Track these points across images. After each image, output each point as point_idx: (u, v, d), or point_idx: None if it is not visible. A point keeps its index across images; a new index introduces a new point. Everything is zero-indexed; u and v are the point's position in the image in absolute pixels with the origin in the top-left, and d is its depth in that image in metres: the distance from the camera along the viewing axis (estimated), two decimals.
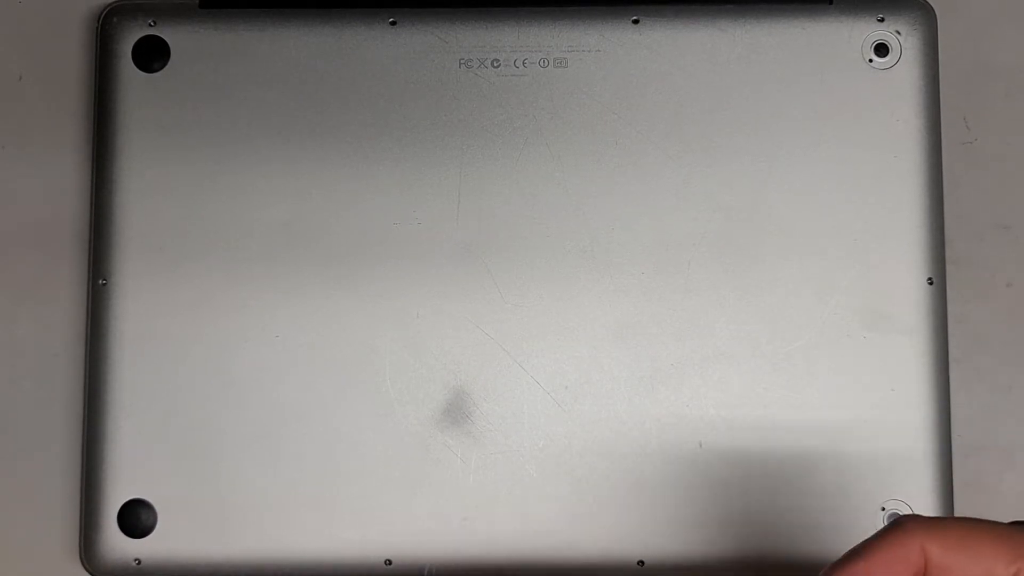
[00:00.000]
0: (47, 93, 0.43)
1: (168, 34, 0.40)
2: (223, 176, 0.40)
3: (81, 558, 0.40)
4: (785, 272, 0.40)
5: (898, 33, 0.40)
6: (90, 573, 0.40)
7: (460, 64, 0.40)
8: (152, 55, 0.40)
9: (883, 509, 0.39)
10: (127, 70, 0.40)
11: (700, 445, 0.39)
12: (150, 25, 0.41)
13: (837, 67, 0.40)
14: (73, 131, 0.43)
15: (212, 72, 0.40)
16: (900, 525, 0.30)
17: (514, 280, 0.40)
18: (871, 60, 0.40)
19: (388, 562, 0.39)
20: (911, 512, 0.39)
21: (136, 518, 0.39)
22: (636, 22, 0.40)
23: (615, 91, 0.40)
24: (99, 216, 0.40)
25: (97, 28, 0.41)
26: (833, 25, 0.40)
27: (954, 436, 0.40)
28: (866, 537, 0.30)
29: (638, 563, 0.39)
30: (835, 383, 0.39)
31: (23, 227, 0.42)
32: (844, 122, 0.40)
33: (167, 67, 0.40)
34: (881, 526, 0.39)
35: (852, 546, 0.34)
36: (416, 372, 0.39)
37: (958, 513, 0.39)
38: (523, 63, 0.40)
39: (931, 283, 0.39)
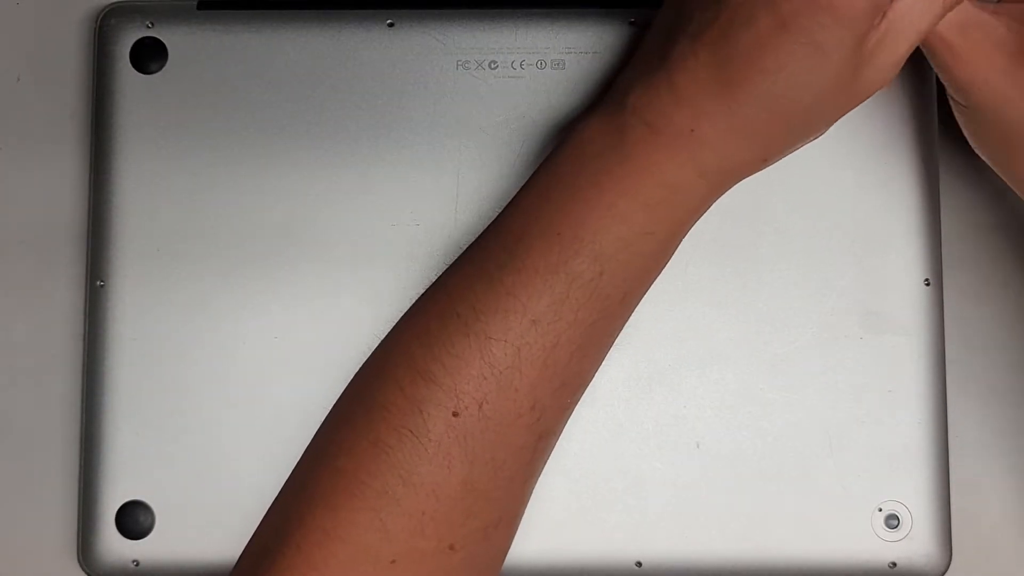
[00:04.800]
0: (45, 94, 0.43)
1: (166, 35, 0.40)
2: (221, 177, 0.40)
3: (79, 560, 0.40)
4: (782, 273, 0.40)
5: None
6: (88, 575, 0.40)
7: (457, 66, 0.40)
8: (150, 56, 0.40)
9: (880, 510, 0.39)
10: (125, 71, 0.40)
11: (698, 446, 0.39)
12: (148, 27, 0.40)
13: None
14: (71, 132, 0.43)
15: (210, 74, 0.40)
16: None
17: None
18: None
19: None
20: (909, 514, 0.39)
21: (134, 520, 0.39)
22: (633, 24, 0.40)
23: None
24: (97, 217, 0.40)
25: (95, 29, 0.41)
26: None
27: (951, 436, 0.40)
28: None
29: (636, 564, 0.39)
30: (832, 384, 0.39)
31: (21, 228, 0.42)
32: (841, 123, 0.40)
33: (165, 68, 0.40)
34: (879, 526, 0.39)
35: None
36: None
37: (955, 514, 0.39)
38: (520, 65, 0.40)
39: (928, 284, 0.39)
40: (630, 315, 0.36)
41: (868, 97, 0.34)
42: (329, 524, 0.33)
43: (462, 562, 0.34)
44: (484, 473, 0.34)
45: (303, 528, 0.34)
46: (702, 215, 0.36)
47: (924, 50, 0.36)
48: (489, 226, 0.37)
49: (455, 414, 0.33)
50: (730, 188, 0.36)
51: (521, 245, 0.34)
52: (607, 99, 0.36)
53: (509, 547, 0.36)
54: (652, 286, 0.38)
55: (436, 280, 0.38)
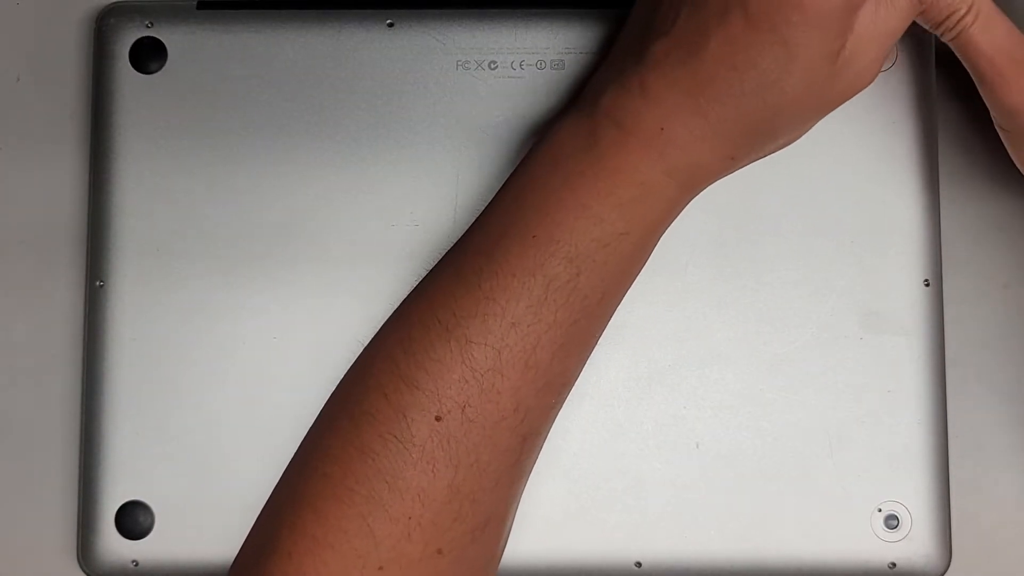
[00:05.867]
0: (44, 94, 0.43)
1: (165, 35, 0.40)
2: (220, 178, 0.40)
3: (79, 560, 0.40)
4: (782, 273, 0.40)
5: None
6: (88, 575, 0.40)
7: (457, 66, 0.40)
8: (149, 56, 0.40)
9: (879, 510, 0.39)
10: (124, 71, 0.40)
11: (697, 446, 0.39)
12: (147, 26, 0.40)
13: None
14: (70, 133, 0.43)
15: (209, 74, 0.40)
16: None
17: None
18: None
19: None
20: (908, 515, 0.39)
21: (134, 520, 0.39)
22: None
23: None
24: (96, 218, 0.40)
25: (94, 29, 0.41)
26: None
27: (951, 436, 0.40)
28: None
29: (635, 564, 0.39)
30: (832, 384, 0.39)
31: (20, 228, 0.42)
32: (841, 123, 0.40)
33: (164, 68, 0.40)
34: (878, 527, 0.39)
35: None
36: None
37: (955, 515, 0.39)
38: (520, 65, 0.40)
39: (927, 285, 0.39)
40: (612, 314, 0.37)
41: (841, 103, 0.34)
42: (319, 531, 0.33)
43: (450, 566, 0.34)
44: (469, 476, 0.34)
45: (293, 535, 0.34)
46: (676, 216, 0.36)
47: (973, 75, 0.35)
48: (468, 230, 0.37)
49: (438, 418, 0.34)
50: (702, 189, 0.36)
51: (498, 248, 0.34)
52: (581, 100, 0.36)
53: (501, 550, 0.36)
54: (652, 286, 0.38)
55: (417, 285, 0.38)
